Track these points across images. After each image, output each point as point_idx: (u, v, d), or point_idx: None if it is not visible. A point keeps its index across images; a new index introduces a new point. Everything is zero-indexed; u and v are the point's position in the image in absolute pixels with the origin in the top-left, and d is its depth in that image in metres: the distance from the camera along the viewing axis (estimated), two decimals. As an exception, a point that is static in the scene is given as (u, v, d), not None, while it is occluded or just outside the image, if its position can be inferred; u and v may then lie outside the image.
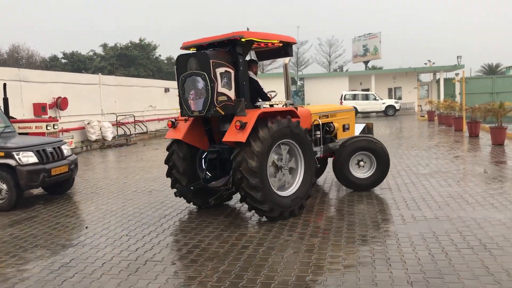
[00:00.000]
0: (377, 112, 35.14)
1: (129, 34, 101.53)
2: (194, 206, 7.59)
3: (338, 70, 53.94)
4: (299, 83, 45.59)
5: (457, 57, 40.01)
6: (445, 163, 10.76)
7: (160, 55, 54.99)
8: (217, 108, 6.23)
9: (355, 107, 33.36)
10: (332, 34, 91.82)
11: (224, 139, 6.42)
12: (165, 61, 55.56)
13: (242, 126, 6.13)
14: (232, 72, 6.41)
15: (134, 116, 23.22)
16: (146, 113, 25.27)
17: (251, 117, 6.24)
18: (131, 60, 49.54)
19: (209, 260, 5.07)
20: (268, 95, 7.22)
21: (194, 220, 6.79)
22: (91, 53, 54.11)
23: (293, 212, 6.61)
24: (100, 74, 24.88)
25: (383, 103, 34.78)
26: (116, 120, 21.74)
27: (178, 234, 6.15)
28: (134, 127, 23.23)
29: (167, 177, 7.31)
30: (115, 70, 46.41)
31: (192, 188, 7.01)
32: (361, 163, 8.16)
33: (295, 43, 7.39)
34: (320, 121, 8.00)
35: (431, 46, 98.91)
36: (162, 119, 26.98)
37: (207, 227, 6.39)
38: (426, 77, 47.89)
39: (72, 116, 18.99)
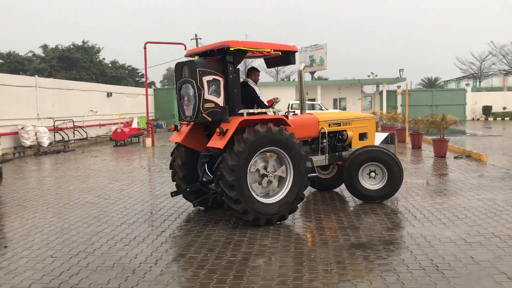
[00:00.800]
0: (323, 121, 35.42)
1: (71, 36, 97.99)
2: (130, 221, 7.04)
3: (285, 79, 54.21)
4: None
5: (399, 70, 41.28)
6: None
7: (104, 58, 53.12)
8: (203, 114, 6.46)
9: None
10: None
11: (207, 145, 6.71)
12: (109, 65, 53.71)
13: (222, 133, 6.35)
14: (222, 80, 6.58)
15: (73, 121, 22.06)
16: (86, 118, 24.11)
17: (232, 125, 6.41)
18: (73, 63, 47.43)
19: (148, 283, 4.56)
20: (273, 101, 7.36)
21: (128, 237, 6.22)
22: (30, 54, 51.45)
23: (282, 217, 6.67)
24: (36, 76, 23.48)
25: (330, 113, 35.11)
26: (54, 125, 20.53)
27: (112, 255, 5.55)
28: (73, 133, 22.06)
29: (172, 180, 7.57)
30: (55, 73, 44.34)
31: (188, 189, 7.23)
32: (373, 174, 7.88)
33: (296, 51, 7.31)
34: (327, 129, 7.90)
35: (374, 59, 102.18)
36: (104, 125, 25.87)
37: (142, 244, 5.85)
38: (369, 89, 49.12)
39: (3, 120, 17.69)
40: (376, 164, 7.80)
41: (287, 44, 7.21)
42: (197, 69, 6.39)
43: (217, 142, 6.41)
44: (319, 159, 7.84)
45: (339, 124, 8.23)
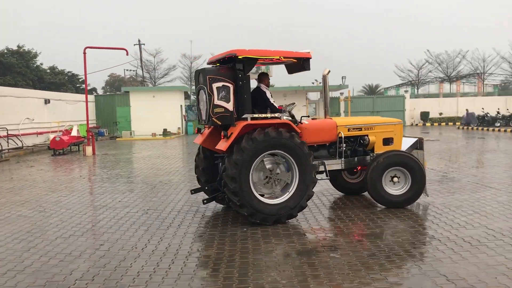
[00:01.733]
0: (269, 128, 35.60)
1: (5, 40, 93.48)
2: (66, 235, 6.65)
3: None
4: (192, 97, 44.95)
5: (342, 77, 42.30)
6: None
7: (41, 64, 50.86)
8: (213, 118, 6.91)
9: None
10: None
11: (215, 147, 7.22)
12: (48, 70, 51.51)
13: (226, 136, 6.82)
14: (231, 86, 6.95)
15: (7, 130, 20.87)
16: (22, 126, 22.88)
17: (236, 129, 6.82)
18: (7, 68, 45.11)
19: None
20: (290, 106, 7.65)
21: (64, 252, 5.84)
22: (-41, 59, 48.44)
23: (278, 220, 6.88)
24: (-34, 81, 22.05)
25: (275, 119, 35.35)
26: (-15, 134, 19.32)
27: (45, 272, 5.17)
28: (7, 142, 20.85)
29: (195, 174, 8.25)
30: (-12, 78, 41.94)
31: (206, 188, 7.78)
32: (395, 179, 7.79)
33: (310, 58, 7.47)
34: (346, 134, 7.94)
35: (317, 66, 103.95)
36: (41, 133, 24.68)
37: (79, 259, 5.51)
38: (314, 96, 50.02)
39: None
40: (399, 169, 7.74)
41: (299, 51, 7.40)
42: (207, 76, 6.87)
43: (221, 145, 6.92)
44: (335, 163, 7.87)
45: (360, 129, 8.18)
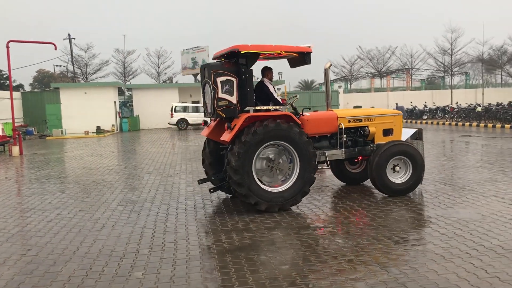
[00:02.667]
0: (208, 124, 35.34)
1: None
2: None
3: (168, 81, 53.30)
4: (127, 93, 43.70)
5: (279, 73, 42.81)
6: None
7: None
8: (217, 111, 7.22)
9: (184, 119, 34.09)
10: (160, 44, 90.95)
11: (220, 138, 7.57)
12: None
13: (230, 128, 7.16)
14: (235, 80, 7.26)
15: None
16: None
17: (239, 121, 7.15)
18: None
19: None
20: (292, 98, 8.04)
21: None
22: None
23: (283, 206, 7.28)
24: None
25: (213, 115, 35.18)
26: None
27: (-38, 282, 4.81)
28: None
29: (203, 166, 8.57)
30: None
31: (213, 178, 8.05)
32: (397, 168, 8.12)
33: (310, 52, 7.72)
34: (346, 125, 8.23)
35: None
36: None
37: (2, 266, 5.16)
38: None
39: None
40: (400, 158, 8.07)
41: (300, 46, 7.69)
42: (212, 71, 7.17)
43: (225, 136, 7.26)
44: (336, 153, 8.18)
45: (360, 120, 8.47)
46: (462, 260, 4.89)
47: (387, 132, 8.69)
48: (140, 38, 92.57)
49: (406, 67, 51.45)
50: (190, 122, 34.53)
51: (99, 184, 10.65)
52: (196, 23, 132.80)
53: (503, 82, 57.19)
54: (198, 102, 39.02)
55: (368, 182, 9.33)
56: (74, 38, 46.71)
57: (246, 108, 7.29)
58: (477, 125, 26.62)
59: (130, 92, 40.73)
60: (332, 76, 57.89)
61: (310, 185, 7.48)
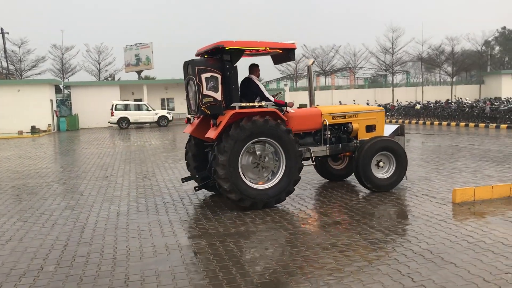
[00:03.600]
0: (150, 122, 34.51)
1: None
2: None
3: (109, 78, 51.48)
4: (65, 91, 41.71)
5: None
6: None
7: None
8: (202, 108, 7.14)
9: (126, 117, 32.93)
10: (100, 40, 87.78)
11: (205, 136, 7.43)
12: None
13: (215, 124, 7.08)
14: (220, 76, 7.18)
15: None
16: None
17: (224, 117, 7.04)
18: None
19: None
20: (277, 95, 8.08)
21: None
22: None
23: (267, 204, 7.20)
24: None
25: (156, 114, 34.33)
26: None
27: None
28: None
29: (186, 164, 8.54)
30: None
31: (197, 176, 8.13)
32: (381, 163, 8.16)
33: (294, 48, 7.72)
34: (330, 122, 8.19)
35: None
36: None
37: None
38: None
39: None
40: (384, 153, 8.12)
41: (284, 42, 7.63)
42: (196, 67, 7.07)
43: (211, 133, 7.15)
44: (320, 150, 8.16)
45: (344, 117, 8.46)
46: (389, 267, 4.66)
47: (370, 128, 8.74)
48: (79, 34, 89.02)
49: (350, 65, 52.28)
50: (131, 120, 33.47)
51: (19, 189, 9.82)
52: (139, 19, 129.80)
53: (441, 80, 59.47)
54: (140, 100, 37.93)
55: (351, 178, 9.38)
56: (8, 33, 44.13)
57: (232, 105, 7.17)
58: (416, 123, 27.34)
59: (68, 90, 38.90)
60: (278, 74, 58.03)
61: (295, 184, 7.45)
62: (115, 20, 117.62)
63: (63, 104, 37.53)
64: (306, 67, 9.47)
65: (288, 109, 7.90)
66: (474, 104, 26.25)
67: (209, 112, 7.21)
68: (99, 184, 10.16)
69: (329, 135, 8.20)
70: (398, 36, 43.69)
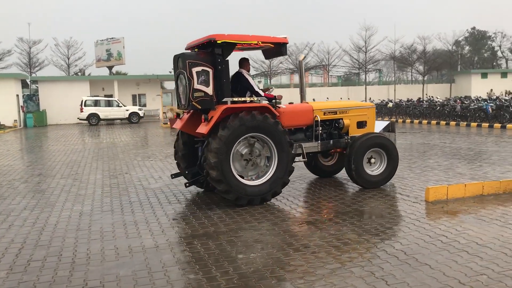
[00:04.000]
0: (121, 119, 33.80)
1: None
2: None
3: (79, 73, 50.26)
4: (33, 86, 40.51)
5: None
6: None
7: None
8: (193, 102, 6.97)
9: (95, 113, 32.09)
10: (70, 34, 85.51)
11: (196, 131, 7.24)
12: None
13: (207, 120, 6.88)
14: (211, 70, 7.05)
15: None
16: None
17: (216, 112, 6.87)
18: None
19: None
20: (268, 90, 7.99)
21: None
22: None
23: (264, 199, 7.13)
24: None
25: (127, 110, 33.65)
26: None
27: None
28: None
29: (175, 159, 8.33)
30: None
31: (187, 172, 7.88)
32: (372, 160, 8.12)
33: (286, 43, 7.58)
34: (321, 117, 8.10)
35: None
36: None
37: None
38: (171, 85, 48.80)
39: None
40: (375, 150, 8.06)
41: (276, 37, 7.50)
42: (187, 61, 6.93)
43: (202, 128, 6.96)
44: (312, 146, 8.04)
45: (335, 113, 8.37)
46: (363, 269, 4.48)
47: (361, 124, 8.66)
48: (47, 27, 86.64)
49: (324, 63, 52.45)
50: (101, 117, 32.72)
51: (-24, 188, 9.29)
52: (111, 13, 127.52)
53: (413, 79, 60.29)
54: (111, 96, 37.11)
55: (340, 175, 9.38)
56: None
57: (224, 100, 6.99)
58: (389, 121, 27.49)
59: (36, 85, 37.77)
60: (252, 71, 57.71)
61: (289, 175, 7.36)
62: (85, 14, 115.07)
63: (30, 100, 36.42)
64: (297, 62, 9.52)
65: (280, 104, 7.75)
66: (445, 103, 26.58)
67: (200, 107, 7.03)
68: (63, 182, 9.72)
69: (320, 131, 8.11)
70: (371, 35, 44.13)
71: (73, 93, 35.21)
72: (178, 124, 7.93)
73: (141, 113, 34.04)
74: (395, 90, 44.59)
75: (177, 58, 7.36)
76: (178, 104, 7.67)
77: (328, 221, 6.19)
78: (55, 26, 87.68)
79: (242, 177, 7.07)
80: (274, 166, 7.19)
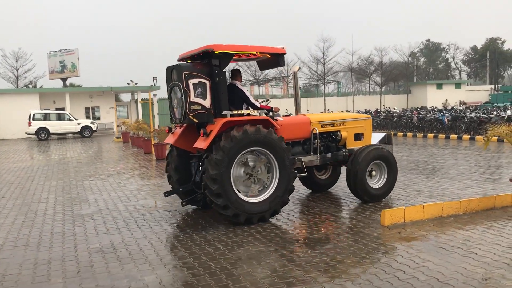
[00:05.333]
0: (73, 133, 32.26)
1: None
2: None
3: (30, 86, 48.08)
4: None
5: (153, 78, 40.63)
6: (118, 196, 9.24)
7: None
8: (189, 116, 6.62)
9: (45, 127, 30.43)
10: (18, 45, 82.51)
11: (194, 146, 6.83)
12: None
13: (205, 134, 6.54)
14: (208, 82, 6.71)
15: None
16: None
17: (215, 126, 6.56)
18: None
19: None
20: (264, 103, 7.69)
21: None
22: None
23: (262, 218, 6.73)
24: None
25: (79, 124, 32.13)
26: None
27: None
28: None
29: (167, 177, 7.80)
30: None
31: (181, 190, 7.43)
32: (373, 173, 7.87)
33: (284, 53, 7.38)
34: (319, 130, 7.87)
35: (130, 67, 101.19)
36: None
37: None
38: (127, 97, 47.34)
39: None
40: (376, 162, 7.81)
41: (275, 47, 7.29)
42: (183, 73, 6.56)
43: (201, 143, 6.60)
44: (311, 159, 7.77)
45: (332, 125, 8.15)
46: None
47: (358, 136, 8.47)
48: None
49: (283, 75, 52.29)
50: (51, 131, 31.12)
51: None
52: (65, 24, 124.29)
53: (371, 90, 61.00)
54: (63, 109, 35.48)
55: (333, 189, 9.12)
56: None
57: (223, 113, 6.68)
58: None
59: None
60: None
61: (290, 194, 7.02)
62: (36, 24, 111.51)
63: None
64: (291, 74, 9.15)
65: (277, 117, 7.51)
66: (402, 114, 26.60)
67: (197, 121, 6.71)
68: (-16, 209, 8.60)
69: (318, 144, 7.85)
70: (329, 46, 44.20)
71: (21, 106, 33.43)
72: (170, 139, 7.56)
73: (94, 126, 32.60)
74: (353, 101, 44.74)
75: (171, 70, 6.99)
76: (171, 118, 7.27)
77: (274, 252, 5.46)
78: (3, 37, 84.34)
79: (243, 194, 6.72)
80: (275, 184, 6.83)
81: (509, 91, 47.67)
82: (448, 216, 6.75)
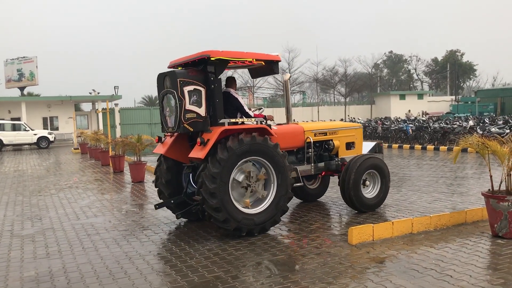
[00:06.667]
0: (29, 144, 30.85)
1: None
2: None
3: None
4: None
5: (114, 87, 39.61)
6: (66, 214, 8.49)
7: None
8: (184, 124, 6.37)
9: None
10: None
11: (189, 155, 6.57)
12: None
13: (203, 143, 6.25)
14: (203, 90, 6.49)
15: None
16: None
17: (213, 135, 6.30)
18: None
19: None
20: (258, 111, 7.58)
21: None
22: None
23: (264, 229, 6.55)
24: None
25: (35, 134, 30.76)
26: None
27: None
28: None
29: (155, 187, 7.46)
30: None
31: (172, 202, 7.11)
32: (367, 182, 7.75)
33: (279, 60, 7.28)
34: (312, 139, 7.76)
35: (93, 77, 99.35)
36: None
37: None
38: (88, 106, 45.95)
39: None
40: (370, 172, 7.69)
41: (270, 54, 7.12)
42: (178, 80, 6.33)
43: (198, 153, 6.34)
44: (305, 169, 7.66)
45: (325, 134, 8.09)
46: None
47: (349, 145, 8.41)
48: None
49: (249, 85, 52.05)
50: (5, 142, 29.72)
51: None
52: (23, 30, 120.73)
53: (336, 100, 61.51)
54: (18, 119, 33.94)
55: (323, 199, 8.98)
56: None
57: (221, 121, 6.46)
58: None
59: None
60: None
61: (288, 201, 6.80)
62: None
63: None
64: (283, 82, 8.83)
65: (272, 126, 7.22)
66: (367, 124, 26.60)
67: (192, 130, 6.45)
68: None
69: (312, 153, 7.73)
70: (294, 57, 44.29)
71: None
72: (160, 149, 7.22)
73: (51, 137, 31.30)
74: (318, 111, 44.83)
75: (163, 77, 6.67)
76: (162, 127, 6.91)
77: (232, 278, 4.91)
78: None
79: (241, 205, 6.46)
80: (273, 193, 6.62)
81: (469, 102, 48.86)
82: (418, 232, 6.36)
